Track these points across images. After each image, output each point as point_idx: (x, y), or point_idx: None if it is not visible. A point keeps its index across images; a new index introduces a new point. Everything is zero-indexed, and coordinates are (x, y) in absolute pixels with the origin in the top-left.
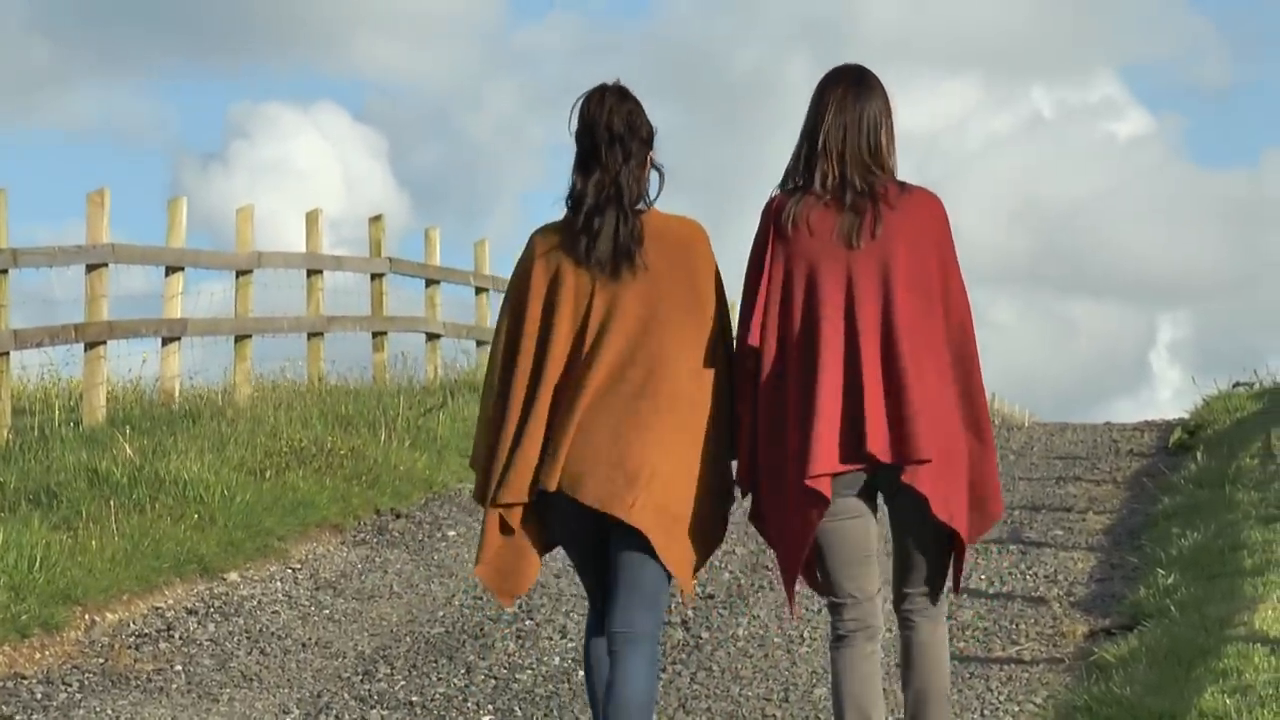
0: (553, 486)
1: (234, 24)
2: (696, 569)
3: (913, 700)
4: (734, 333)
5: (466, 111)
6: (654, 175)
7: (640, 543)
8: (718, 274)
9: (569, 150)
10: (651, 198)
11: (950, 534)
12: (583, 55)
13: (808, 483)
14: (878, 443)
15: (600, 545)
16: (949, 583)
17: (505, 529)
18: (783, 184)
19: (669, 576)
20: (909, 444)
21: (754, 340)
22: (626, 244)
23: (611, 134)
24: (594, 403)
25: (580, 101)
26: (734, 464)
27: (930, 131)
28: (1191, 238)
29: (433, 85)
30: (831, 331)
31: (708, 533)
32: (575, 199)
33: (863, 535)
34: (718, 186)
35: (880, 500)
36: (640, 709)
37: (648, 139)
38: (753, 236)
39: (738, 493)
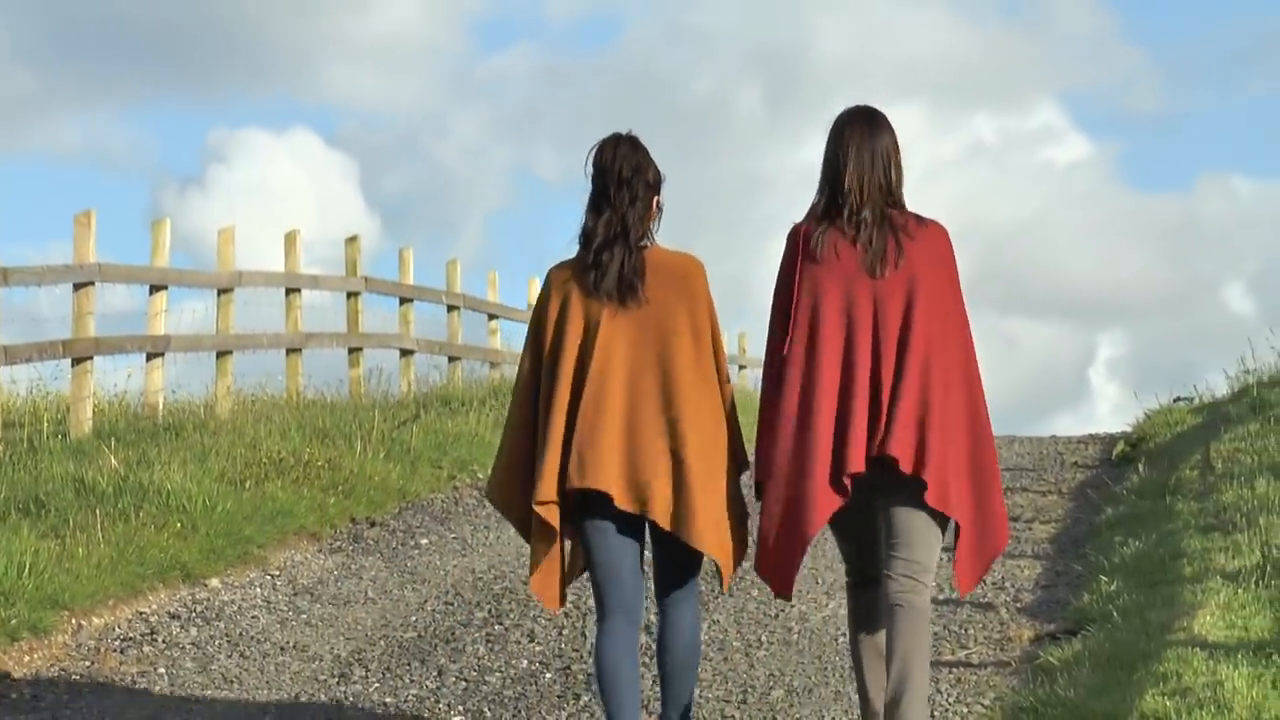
0: (601, 487)
1: (211, 54)
2: (738, 559)
3: (893, 677)
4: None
5: (434, 137)
6: (657, 217)
7: (671, 537)
8: (710, 302)
9: (533, 173)
10: (654, 232)
11: (939, 527)
12: (546, 84)
13: (846, 480)
14: (904, 451)
15: (627, 546)
16: (955, 568)
17: (546, 536)
18: (809, 215)
19: (699, 561)
20: (924, 451)
21: (785, 350)
22: (630, 278)
23: (620, 178)
24: (628, 420)
25: (595, 148)
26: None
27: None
28: (1128, 259)
29: (401, 112)
30: (861, 351)
31: (732, 519)
32: (587, 236)
33: (868, 524)
34: (673, 208)
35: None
36: (691, 673)
37: (654, 183)
38: (780, 260)
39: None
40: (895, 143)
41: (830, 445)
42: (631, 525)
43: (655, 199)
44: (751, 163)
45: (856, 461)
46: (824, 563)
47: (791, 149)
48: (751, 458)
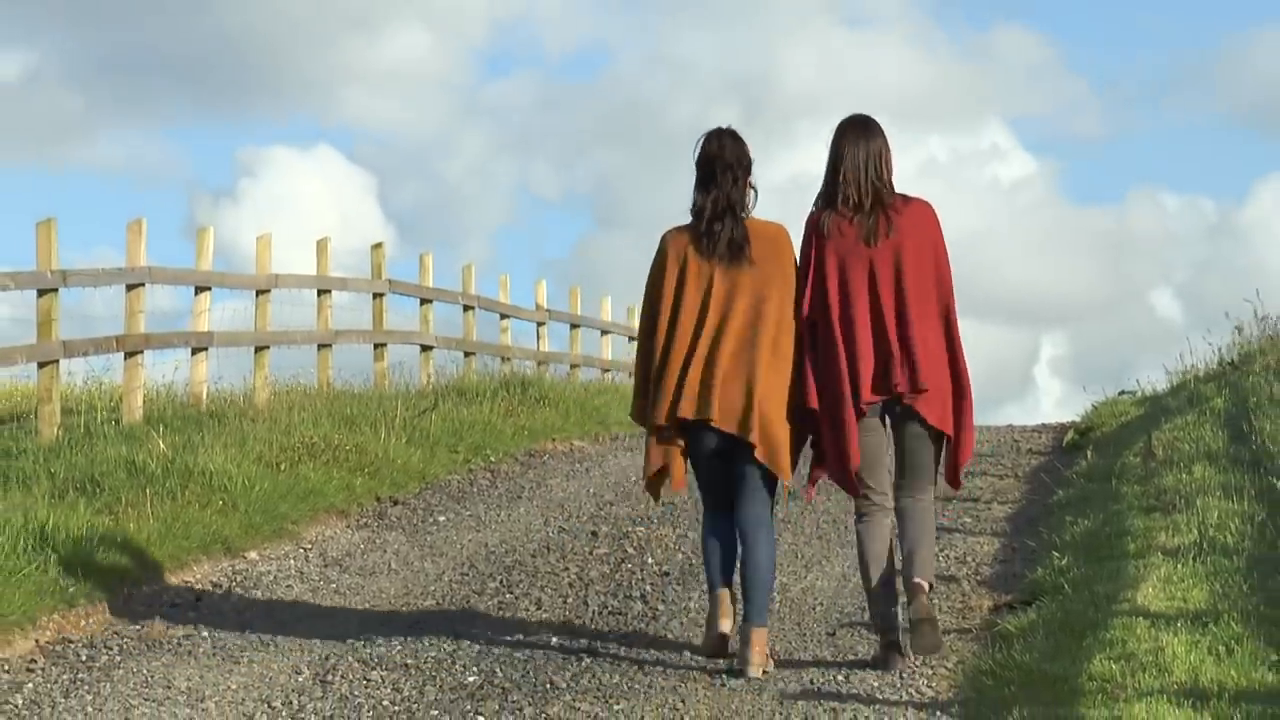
0: (713, 417)
1: (241, 80)
2: (791, 467)
3: (907, 550)
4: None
5: (443, 156)
6: (752, 193)
7: (754, 458)
8: (795, 258)
9: (531, 189)
10: (750, 208)
11: (936, 447)
12: (543, 108)
13: (863, 406)
14: (901, 381)
15: (722, 459)
16: (945, 476)
17: (660, 444)
18: (816, 203)
19: (775, 479)
20: (917, 381)
21: (804, 312)
22: (739, 243)
23: (725, 163)
24: (729, 356)
25: (702, 138)
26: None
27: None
28: (1067, 267)
29: (414, 133)
30: (861, 306)
31: (793, 443)
32: (698, 210)
33: (880, 446)
34: (656, 218)
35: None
36: (769, 571)
37: (749, 167)
38: (800, 241)
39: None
40: (885, 142)
41: (842, 376)
42: (725, 441)
43: (749, 179)
44: None
45: (867, 395)
46: (803, 539)
47: (762, 165)
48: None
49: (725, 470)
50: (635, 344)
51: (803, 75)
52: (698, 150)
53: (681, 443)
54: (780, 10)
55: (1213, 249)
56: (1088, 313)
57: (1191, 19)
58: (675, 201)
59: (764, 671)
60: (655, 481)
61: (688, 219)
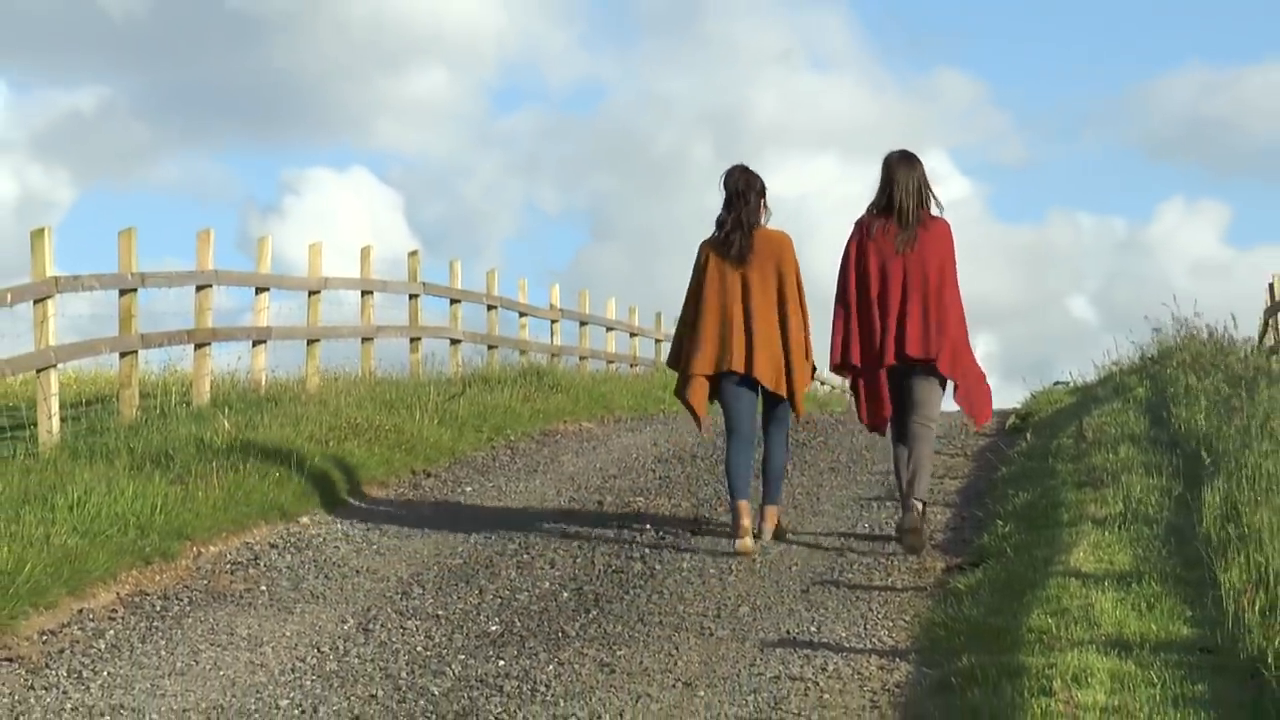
0: (732, 368)
1: (287, 111)
2: (800, 402)
3: (913, 466)
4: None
5: (461, 178)
6: (766, 211)
7: (776, 398)
8: (795, 259)
9: (538, 207)
10: (764, 220)
11: (941, 391)
12: (547, 137)
13: (885, 368)
14: (916, 350)
15: (747, 399)
16: (964, 410)
17: (698, 388)
18: (869, 210)
19: (786, 414)
20: (929, 347)
21: (847, 298)
22: (744, 251)
23: (739, 192)
24: (746, 328)
25: (725, 172)
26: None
27: (800, 194)
28: (995, 276)
29: (437, 157)
30: (895, 294)
31: (797, 384)
32: (721, 224)
33: (901, 389)
34: (643, 235)
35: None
36: (781, 468)
37: (761, 191)
38: (845, 238)
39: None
40: (924, 172)
41: (877, 344)
42: (750, 387)
43: (763, 200)
44: (702, 200)
45: (889, 358)
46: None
47: None
48: (824, 348)
49: (739, 406)
50: (680, 314)
51: (769, 110)
52: (722, 181)
53: (706, 385)
54: (750, 55)
55: (1121, 261)
56: (1013, 316)
57: (1104, 65)
58: (660, 217)
59: (774, 537)
60: (693, 410)
61: (670, 230)
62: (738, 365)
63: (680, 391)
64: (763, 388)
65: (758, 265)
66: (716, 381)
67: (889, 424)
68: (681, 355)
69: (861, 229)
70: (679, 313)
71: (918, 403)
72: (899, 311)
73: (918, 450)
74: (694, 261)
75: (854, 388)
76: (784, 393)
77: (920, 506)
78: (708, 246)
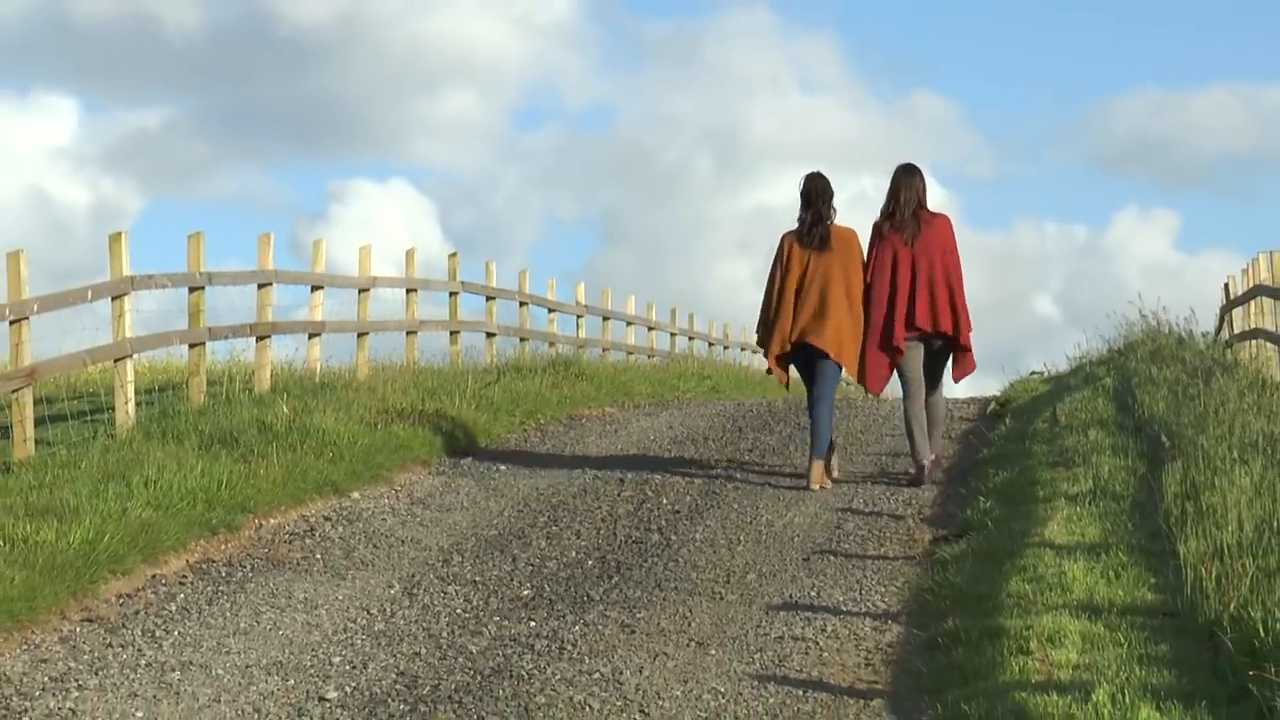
0: (811, 341)
1: (334, 128)
2: (855, 372)
3: (930, 423)
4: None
5: (489, 189)
6: (833, 210)
7: (830, 363)
8: (860, 248)
9: (557, 216)
10: (832, 218)
11: (946, 364)
12: (565, 153)
13: (896, 343)
14: (925, 323)
15: (823, 367)
16: (953, 376)
17: (780, 360)
18: (881, 214)
19: (840, 372)
20: (937, 322)
21: (873, 287)
22: (825, 239)
23: (817, 191)
24: (819, 307)
25: (805, 176)
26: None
27: (791, 202)
28: (969, 278)
29: (467, 171)
30: (905, 281)
31: (855, 354)
32: (801, 219)
33: (916, 359)
34: (651, 241)
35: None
36: (827, 427)
37: (831, 195)
38: (868, 238)
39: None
40: (923, 179)
41: (888, 321)
42: (819, 353)
43: (832, 200)
44: (704, 210)
45: (900, 337)
46: (785, 484)
47: (731, 201)
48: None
49: (817, 372)
50: (762, 299)
51: (764, 128)
52: (800, 184)
53: (789, 358)
54: (748, 78)
55: (1082, 264)
56: (983, 313)
57: (1065, 87)
58: (665, 224)
59: (820, 486)
60: (778, 376)
61: (674, 236)
62: (817, 339)
63: (767, 358)
64: (826, 358)
65: (832, 255)
66: (797, 350)
67: (905, 393)
68: (769, 328)
69: (877, 231)
70: (760, 296)
71: (933, 376)
72: (909, 293)
73: (934, 411)
74: (775, 251)
75: (863, 360)
76: (844, 361)
77: (933, 457)
78: (790, 237)
